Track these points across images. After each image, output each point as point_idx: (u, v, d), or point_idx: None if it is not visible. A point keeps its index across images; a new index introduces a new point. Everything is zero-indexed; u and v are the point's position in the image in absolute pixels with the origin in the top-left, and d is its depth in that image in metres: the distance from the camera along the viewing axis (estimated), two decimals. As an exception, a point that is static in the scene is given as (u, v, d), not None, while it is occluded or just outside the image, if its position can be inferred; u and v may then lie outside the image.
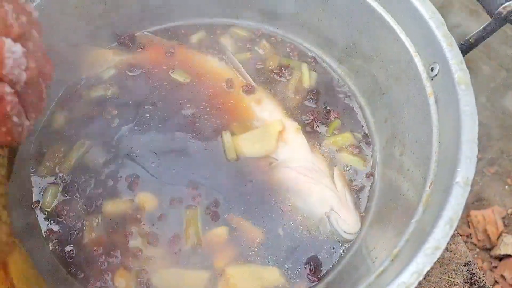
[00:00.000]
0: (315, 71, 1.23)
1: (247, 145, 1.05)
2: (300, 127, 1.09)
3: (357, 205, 1.02)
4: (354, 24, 1.10)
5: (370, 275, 0.72)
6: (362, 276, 0.76)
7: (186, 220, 0.95)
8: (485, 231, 2.25)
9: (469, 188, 0.71)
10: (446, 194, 0.71)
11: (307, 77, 1.20)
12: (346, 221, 0.95)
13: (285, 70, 1.20)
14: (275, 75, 1.20)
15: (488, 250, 2.24)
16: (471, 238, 2.27)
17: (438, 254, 0.66)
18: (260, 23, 1.30)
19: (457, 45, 0.86)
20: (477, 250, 2.26)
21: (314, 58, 1.26)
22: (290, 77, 1.20)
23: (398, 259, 0.72)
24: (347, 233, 0.95)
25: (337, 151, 1.08)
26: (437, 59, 0.87)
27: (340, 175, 1.04)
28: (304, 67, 1.22)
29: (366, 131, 1.13)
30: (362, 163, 1.07)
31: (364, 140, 1.11)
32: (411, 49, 0.94)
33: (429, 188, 0.79)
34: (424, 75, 0.91)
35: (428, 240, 0.67)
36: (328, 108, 1.15)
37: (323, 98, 1.17)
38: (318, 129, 1.11)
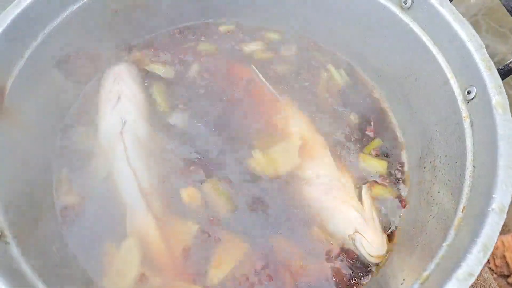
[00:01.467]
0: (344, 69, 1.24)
1: (269, 161, 1.03)
2: (325, 142, 1.08)
3: (384, 227, 0.99)
4: (389, 43, 1.09)
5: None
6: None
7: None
8: (503, 257, 2.20)
9: (505, 216, 0.70)
10: (480, 220, 0.71)
11: (337, 76, 1.20)
12: (372, 243, 0.93)
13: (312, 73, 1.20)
14: (303, 81, 1.20)
15: (506, 277, 2.20)
16: (489, 263, 2.23)
17: (471, 281, 0.65)
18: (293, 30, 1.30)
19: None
20: (494, 275, 2.21)
21: (348, 63, 1.25)
22: (318, 79, 1.20)
23: (428, 283, 0.71)
24: (373, 256, 0.93)
25: (368, 175, 1.06)
26: (474, 83, 0.86)
27: (368, 195, 1.01)
28: (331, 67, 1.22)
29: (398, 150, 1.11)
30: (391, 193, 1.05)
31: (396, 166, 1.09)
32: (447, 71, 0.93)
33: (462, 212, 0.78)
34: (460, 98, 0.90)
35: (461, 265, 0.66)
36: (362, 121, 1.14)
37: (355, 108, 1.16)
38: (351, 144, 1.10)
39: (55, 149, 1.02)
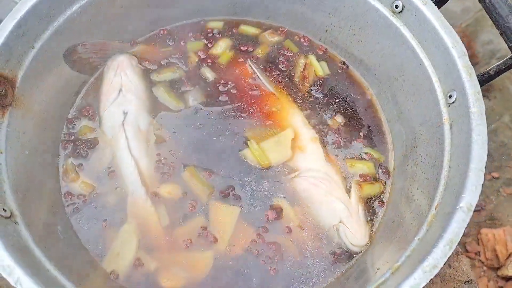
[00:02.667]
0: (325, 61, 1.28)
1: (263, 153, 1.09)
2: (317, 136, 1.13)
3: (368, 219, 1.06)
4: (381, 45, 1.14)
5: (371, 285, 0.78)
6: (363, 285, 0.82)
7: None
8: (494, 250, 2.26)
9: (471, 214, 0.76)
10: (449, 217, 0.77)
11: (318, 67, 1.25)
12: (355, 234, 0.99)
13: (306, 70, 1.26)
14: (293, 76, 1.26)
15: (496, 269, 2.26)
16: (479, 255, 2.29)
17: (435, 272, 0.71)
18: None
19: (477, 76, 0.90)
20: (484, 268, 2.27)
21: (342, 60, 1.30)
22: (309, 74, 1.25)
23: (398, 273, 0.78)
24: (354, 245, 1.00)
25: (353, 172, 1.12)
26: (456, 87, 0.91)
27: (356, 189, 1.07)
28: (313, 58, 1.27)
29: (385, 148, 1.17)
30: (376, 188, 1.10)
31: (382, 163, 1.14)
32: (433, 75, 0.98)
33: (435, 209, 0.84)
34: (442, 101, 0.96)
35: (427, 258, 0.73)
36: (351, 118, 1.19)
37: (345, 104, 1.22)
38: (340, 140, 1.15)
39: (62, 138, 1.09)
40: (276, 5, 1.29)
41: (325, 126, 1.17)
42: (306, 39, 1.33)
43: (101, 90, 1.14)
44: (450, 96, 0.93)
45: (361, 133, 1.17)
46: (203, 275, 0.95)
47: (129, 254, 0.96)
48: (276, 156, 1.09)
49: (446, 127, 0.93)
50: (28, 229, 0.83)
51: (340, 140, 1.15)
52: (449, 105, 0.94)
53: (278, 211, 1.02)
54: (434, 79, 0.98)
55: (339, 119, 1.19)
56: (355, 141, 1.16)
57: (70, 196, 1.01)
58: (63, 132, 1.10)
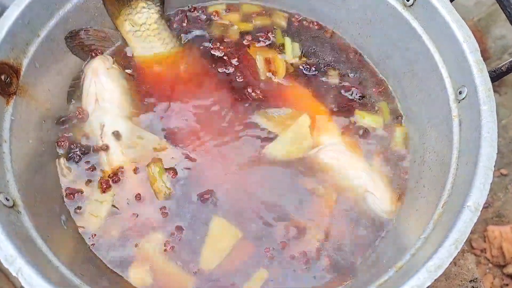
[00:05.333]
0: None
1: (282, 150, 1.06)
2: (328, 113, 1.12)
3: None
4: (391, 38, 1.12)
5: (373, 284, 0.77)
6: (364, 284, 0.81)
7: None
8: (500, 248, 2.24)
9: (478, 213, 0.74)
10: (456, 216, 0.75)
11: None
12: (382, 199, 1.00)
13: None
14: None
15: (501, 267, 2.24)
16: (485, 253, 2.27)
17: (439, 272, 0.70)
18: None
19: (488, 72, 0.88)
20: (490, 265, 2.26)
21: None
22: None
23: (402, 271, 0.77)
24: (385, 211, 0.99)
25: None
26: (466, 83, 0.90)
27: (377, 155, 1.07)
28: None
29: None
30: None
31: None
32: (443, 70, 0.97)
33: (442, 207, 0.83)
34: (452, 97, 0.94)
35: (432, 257, 0.72)
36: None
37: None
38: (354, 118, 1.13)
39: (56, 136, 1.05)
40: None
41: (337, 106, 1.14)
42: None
43: (81, 99, 1.09)
44: (460, 92, 0.91)
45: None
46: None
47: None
48: (296, 149, 1.07)
49: (455, 124, 0.91)
50: (31, 219, 0.83)
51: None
52: (459, 101, 0.92)
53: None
54: (445, 74, 0.96)
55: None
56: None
57: (69, 191, 1.00)
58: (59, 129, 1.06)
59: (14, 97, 0.92)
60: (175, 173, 1.02)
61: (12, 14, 0.91)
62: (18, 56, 0.93)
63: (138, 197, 0.99)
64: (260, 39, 1.22)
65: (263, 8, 1.28)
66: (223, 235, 0.97)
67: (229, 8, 1.27)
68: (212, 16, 1.25)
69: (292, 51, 1.21)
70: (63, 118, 1.06)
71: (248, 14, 1.27)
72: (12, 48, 0.91)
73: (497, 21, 3.06)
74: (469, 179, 0.79)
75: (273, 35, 1.23)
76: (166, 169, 1.02)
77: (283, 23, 1.26)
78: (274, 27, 1.25)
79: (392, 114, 1.14)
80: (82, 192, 0.99)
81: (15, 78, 0.92)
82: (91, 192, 1.00)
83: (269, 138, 1.07)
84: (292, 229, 0.98)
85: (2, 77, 0.89)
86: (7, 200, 0.81)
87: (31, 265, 0.72)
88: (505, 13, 0.94)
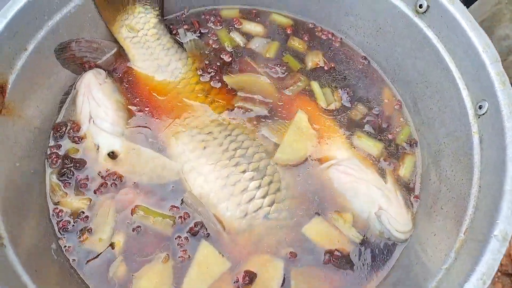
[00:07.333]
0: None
1: (289, 151, 1.00)
2: (338, 126, 1.05)
3: (407, 203, 0.97)
4: (402, 47, 1.05)
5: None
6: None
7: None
8: (509, 255, 2.18)
9: (507, 244, 0.68)
10: (482, 246, 0.69)
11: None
12: (397, 218, 0.92)
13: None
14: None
15: (510, 275, 2.18)
16: (494, 261, 2.21)
17: (467, 313, 0.64)
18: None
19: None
20: (499, 274, 2.20)
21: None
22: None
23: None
24: (399, 231, 0.91)
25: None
26: (487, 97, 0.83)
27: (391, 172, 1.00)
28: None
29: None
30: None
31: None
32: (460, 82, 0.90)
33: (464, 234, 0.76)
34: (471, 111, 0.87)
35: (458, 294, 0.65)
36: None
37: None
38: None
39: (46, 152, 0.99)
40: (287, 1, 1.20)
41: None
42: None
43: (75, 116, 1.03)
44: (480, 107, 0.84)
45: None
46: None
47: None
48: (301, 149, 1.01)
49: (475, 141, 0.84)
50: (16, 252, 0.76)
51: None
52: (478, 116, 0.85)
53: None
54: (462, 86, 0.89)
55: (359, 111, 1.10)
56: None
57: (57, 211, 0.93)
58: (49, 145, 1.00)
59: (-1, 116, 0.85)
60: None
61: (-3, 26, 0.84)
62: (3, 72, 0.87)
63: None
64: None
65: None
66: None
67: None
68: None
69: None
70: (55, 135, 1.00)
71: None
72: (-4, 64, 0.85)
73: (501, 21, 2.99)
74: (494, 204, 0.73)
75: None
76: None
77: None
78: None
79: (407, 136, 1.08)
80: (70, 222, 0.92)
81: (0, 96, 0.86)
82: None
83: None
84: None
85: (-15, 97, 0.82)
86: (-10, 233, 0.74)
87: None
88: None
